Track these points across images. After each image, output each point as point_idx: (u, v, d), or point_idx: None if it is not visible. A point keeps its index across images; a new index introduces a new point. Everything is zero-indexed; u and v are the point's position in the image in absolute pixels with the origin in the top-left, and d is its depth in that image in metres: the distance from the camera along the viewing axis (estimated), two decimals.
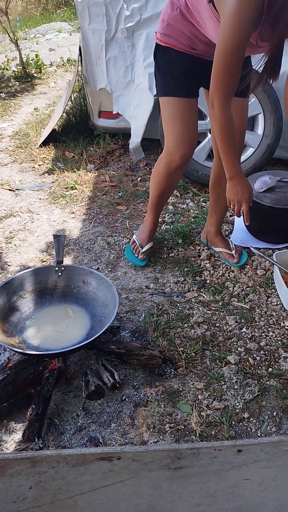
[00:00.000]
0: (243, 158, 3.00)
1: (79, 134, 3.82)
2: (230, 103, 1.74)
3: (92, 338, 1.62)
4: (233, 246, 2.43)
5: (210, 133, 2.89)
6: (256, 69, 1.74)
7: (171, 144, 2.09)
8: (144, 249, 2.40)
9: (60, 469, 0.90)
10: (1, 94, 5.43)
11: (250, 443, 0.94)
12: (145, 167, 3.41)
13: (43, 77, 6.14)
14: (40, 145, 3.78)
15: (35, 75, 6.14)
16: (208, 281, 2.30)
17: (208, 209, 2.45)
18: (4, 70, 6.28)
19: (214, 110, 1.73)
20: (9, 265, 2.44)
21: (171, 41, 1.92)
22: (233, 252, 2.41)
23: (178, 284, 2.28)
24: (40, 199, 3.07)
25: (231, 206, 1.96)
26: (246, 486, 0.98)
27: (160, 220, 2.72)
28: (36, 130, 4.15)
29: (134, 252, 2.43)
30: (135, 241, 2.44)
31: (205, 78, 1.86)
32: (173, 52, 1.94)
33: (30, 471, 0.89)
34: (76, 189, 3.14)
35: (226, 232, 2.64)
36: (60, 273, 1.94)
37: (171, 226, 2.68)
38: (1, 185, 3.27)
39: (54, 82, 5.96)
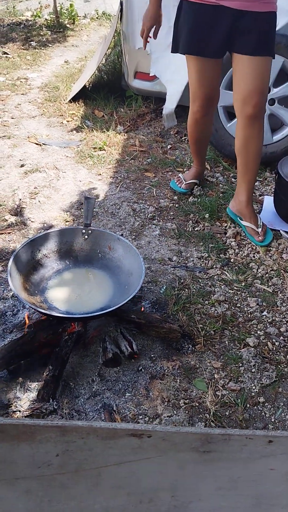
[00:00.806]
0: (278, 137, 2.91)
1: (110, 93, 3.71)
2: None
3: (117, 306, 1.60)
4: (261, 224, 2.37)
5: None
6: None
7: (191, 96, 2.33)
8: (188, 182, 2.65)
9: (89, 441, 0.88)
10: (32, 42, 5.26)
11: (282, 435, 0.92)
12: (176, 135, 3.32)
13: (75, 28, 5.93)
14: (70, 100, 3.68)
15: (68, 26, 5.93)
16: (232, 260, 2.26)
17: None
18: (36, 17, 6.07)
19: None
20: (32, 221, 2.41)
21: None
22: (260, 230, 2.34)
23: (202, 260, 2.24)
24: (67, 156, 3.00)
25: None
26: (270, 475, 0.97)
27: (188, 191, 2.66)
28: (66, 84, 4.03)
29: (178, 183, 2.68)
30: (180, 177, 2.69)
31: (231, 37, 2.06)
32: (187, 4, 2.08)
33: (59, 439, 0.88)
34: (105, 150, 3.06)
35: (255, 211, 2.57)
36: (86, 236, 1.91)
37: (199, 199, 2.62)
38: (28, 137, 3.20)
39: (87, 36, 5.76)
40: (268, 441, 0.93)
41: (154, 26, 2.33)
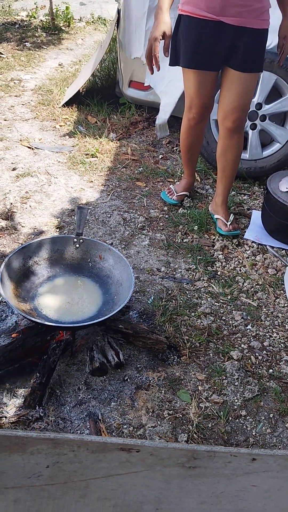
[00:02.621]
0: (268, 152, 2.97)
1: (104, 99, 3.73)
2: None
3: (106, 317, 1.63)
4: (231, 220, 2.52)
5: None
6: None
7: (187, 103, 2.37)
8: (179, 194, 2.70)
9: (80, 453, 0.91)
10: (26, 43, 5.26)
11: (265, 453, 0.96)
12: (168, 145, 3.36)
13: (71, 31, 5.94)
14: (63, 105, 3.70)
15: (63, 28, 5.94)
16: (219, 273, 2.30)
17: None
18: (32, 18, 6.07)
19: None
20: (22, 226, 2.42)
21: (188, 8, 2.08)
22: (229, 223, 2.50)
23: (189, 271, 2.28)
24: (59, 162, 3.02)
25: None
26: (252, 491, 1.01)
27: (178, 203, 2.70)
28: (60, 88, 4.04)
29: (168, 195, 2.73)
30: (171, 188, 2.74)
31: (228, 52, 2.13)
32: (188, 19, 2.10)
33: (50, 451, 0.90)
34: (97, 157, 3.09)
35: (242, 225, 2.63)
36: (78, 245, 1.93)
37: (188, 211, 2.66)
38: (20, 141, 3.21)
39: (82, 39, 5.77)
40: (251, 458, 0.96)
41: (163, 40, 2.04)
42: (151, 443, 0.92)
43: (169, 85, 3.10)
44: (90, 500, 0.97)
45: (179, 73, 3.18)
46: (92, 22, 6.44)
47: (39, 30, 5.73)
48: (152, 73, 2.10)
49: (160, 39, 2.01)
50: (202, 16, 2.05)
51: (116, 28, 3.59)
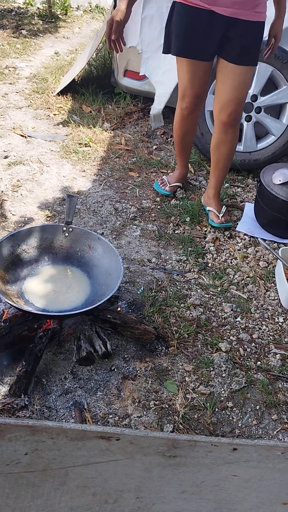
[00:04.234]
0: (263, 145, 2.95)
1: (99, 89, 3.70)
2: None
3: (93, 306, 1.62)
4: (223, 212, 2.51)
5: None
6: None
7: (180, 93, 2.35)
8: (172, 185, 2.67)
9: (59, 441, 0.90)
10: (22, 30, 5.19)
11: (246, 443, 0.95)
12: (162, 136, 3.33)
13: (68, 20, 5.88)
14: (58, 93, 3.66)
15: (60, 16, 5.88)
16: (210, 265, 2.29)
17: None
18: (29, 6, 5.99)
19: None
20: (13, 214, 2.40)
21: None
22: (221, 215, 2.48)
23: (180, 263, 2.27)
24: (52, 150, 2.99)
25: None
26: (232, 481, 1.01)
27: (171, 194, 2.69)
28: (55, 77, 4.00)
29: (161, 186, 2.70)
30: (164, 179, 2.71)
31: (221, 43, 2.11)
32: (180, 6, 2.08)
33: (28, 438, 0.89)
34: (90, 146, 3.06)
35: (235, 218, 2.61)
36: (67, 234, 1.91)
37: (181, 202, 2.65)
38: (13, 128, 3.17)
39: (79, 28, 5.71)
40: (232, 448, 0.96)
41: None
42: (131, 432, 0.91)
43: (164, 75, 3.07)
44: (69, 488, 0.96)
45: (174, 63, 3.14)
46: (90, 10, 6.38)
47: (35, 17, 5.66)
48: (110, 49, 2.22)
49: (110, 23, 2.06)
50: (195, 4, 2.03)
51: None
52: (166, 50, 2.28)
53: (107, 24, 2.08)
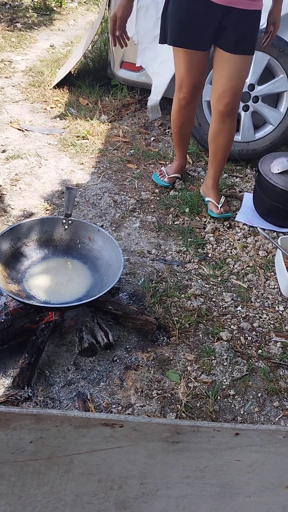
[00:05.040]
0: (261, 134, 2.95)
1: (95, 81, 3.68)
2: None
3: (94, 298, 1.62)
4: (222, 202, 2.50)
5: None
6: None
7: (177, 83, 2.34)
8: (170, 176, 2.67)
9: (63, 429, 0.91)
10: (17, 24, 5.16)
11: (248, 428, 0.96)
12: (160, 127, 3.33)
13: (63, 12, 5.84)
14: (54, 86, 3.64)
15: (55, 9, 5.84)
16: (210, 255, 2.30)
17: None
18: None
19: None
20: (12, 209, 2.40)
21: None
22: (220, 206, 2.49)
23: (180, 254, 2.28)
24: (50, 144, 2.98)
25: None
26: (235, 466, 1.02)
27: (170, 185, 2.68)
28: (51, 70, 3.98)
29: (160, 177, 2.69)
30: (162, 171, 2.71)
31: (217, 32, 2.09)
32: None
33: (33, 426, 0.90)
34: (88, 139, 3.06)
35: (234, 208, 2.62)
36: (67, 226, 1.92)
37: (180, 193, 2.65)
38: (10, 122, 3.17)
39: (74, 20, 5.68)
40: (235, 433, 0.97)
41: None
42: (134, 418, 0.93)
43: (161, 66, 3.06)
44: (74, 475, 0.97)
45: (170, 53, 3.13)
46: (85, 2, 6.33)
47: (30, 10, 5.62)
48: (115, 45, 2.17)
49: (114, 20, 2.07)
50: None
51: (107, 8, 3.53)
52: (162, 41, 2.27)
53: (110, 21, 2.09)
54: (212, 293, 2.09)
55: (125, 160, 2.90)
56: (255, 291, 2.14)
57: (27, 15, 5.48)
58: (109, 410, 1.58)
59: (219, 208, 2.48)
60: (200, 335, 1.89)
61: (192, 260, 2.24)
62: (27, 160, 2.78)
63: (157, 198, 2.62)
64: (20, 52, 4.41)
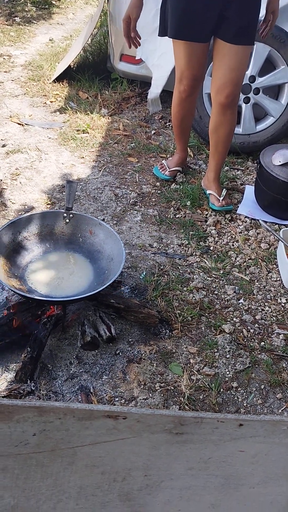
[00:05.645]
0: (262, 126, 2.93)
1: (95, 74, 3.66)
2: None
3: (97, 291, 1.62)
4: (223, 195, 2.49)
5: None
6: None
7: (177, 76, 2.33)
8: (171, 169, 2.66)
9: (66, 421, 0.91)
10: (16, 18, 5.13)
11: (252, 419, 0.96)
12: (160, 120, 3.31)
13: (61, 6, 5.80)
14: (54, 80, 3.62)
15: (54, 2, 5.80)
16: (211, 248, 2.29)
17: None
18: None
19: None
20: (12, 203, 2.39)
21: None
22: (221, 198, 2.47)
23: (182, 247, 2.27)
24: (50, 138, 2.97)
25: None
26: (239, 457, 1.02)
27: (171, 178, 2.67)
28: (51, 64, 3.96)
29: (161, 170, 2.68)
30: (163, 164, 2.69)
31: (217, 23, 2.07)
32: None
33: (36, 419, 0.90)
34: (88, 133, 3.04)
35: (236, 200, 2.61)
36: (68, 220, 1.91)
37: (181, 187, 2.64)
38: (10, 117, 3.15)
39: (73, 14, 5.64)
40: (238, 424, 0.96)
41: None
42: (137, 410, 0.92)
43: (161, 58, 3.04)
44: (78, 467, 0.97)
45: (170, 46, 3.11)
46: None
47: (29, 4, 5.58)
48: (130, 47, 2.18)
49: (127, 21, 2.08)
50: None
51: (106, 1, 3.51)
52: (162, 33, 2.26)
53: (123, 23, 2.09)
54: (214, 286, 2.09)
55: (125, 153, 2.89)
56: (257, 283, 2.13)
57: (26, 9, 5.45)
58: (112, 403, 1.58)
59: (220, 201, 2.47)
60: (203, 328, 1.89)
61: (194, 253, 2.24)
62: (27, 155, 2.77)
63: (158, 192, 2.61)
64: (19, 47, 4.39)
